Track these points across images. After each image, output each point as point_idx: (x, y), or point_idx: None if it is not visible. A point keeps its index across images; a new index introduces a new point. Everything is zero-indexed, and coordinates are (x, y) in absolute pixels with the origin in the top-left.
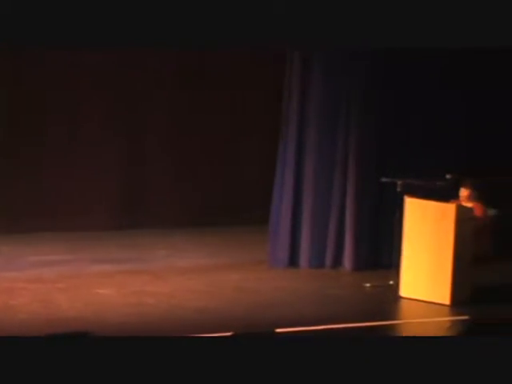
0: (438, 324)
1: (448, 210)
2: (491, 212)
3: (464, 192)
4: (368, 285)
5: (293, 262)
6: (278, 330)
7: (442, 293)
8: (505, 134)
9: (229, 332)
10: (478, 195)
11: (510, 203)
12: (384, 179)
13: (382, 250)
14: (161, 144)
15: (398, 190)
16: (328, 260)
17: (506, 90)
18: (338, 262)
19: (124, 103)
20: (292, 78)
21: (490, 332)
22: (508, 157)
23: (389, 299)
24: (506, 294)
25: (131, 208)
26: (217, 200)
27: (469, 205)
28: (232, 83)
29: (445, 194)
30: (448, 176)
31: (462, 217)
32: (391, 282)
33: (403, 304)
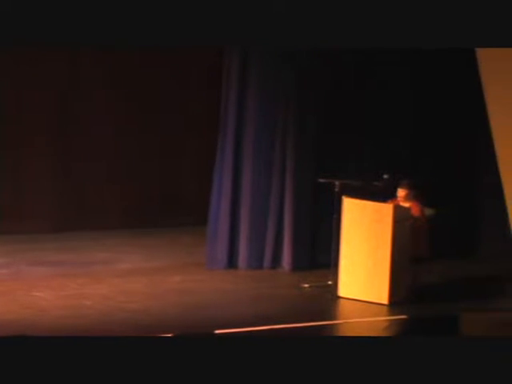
0: (376, 323)
1: (385, 210)
2: (428, 212)
3: (401, 192)
4: (306, 285)
5: (232, 263)
6: (218, 331)
7: (380, 292)
8: (443, 135)
9: (169, 333)
10: (416, 195)
11: (447, 203)
12: (321, 180)
13: (320, 250)
14: (98, 146)
15: (336, 190)
16: (267, 261)
17: (446, 90)
18: (276, 262)
19: (58, 103)
20: (229, 81)
21: (427, 331)
22: (446, 157)
23: (327, 299)
24: (443, 293)
25: (69, 210)
26: (155, 202)
27: (406, 205)
28: (170, 82)
29: (382, 194)
30: (385, 176)
31: (400, 217)
32: (330, 282)
33: (342, 304)
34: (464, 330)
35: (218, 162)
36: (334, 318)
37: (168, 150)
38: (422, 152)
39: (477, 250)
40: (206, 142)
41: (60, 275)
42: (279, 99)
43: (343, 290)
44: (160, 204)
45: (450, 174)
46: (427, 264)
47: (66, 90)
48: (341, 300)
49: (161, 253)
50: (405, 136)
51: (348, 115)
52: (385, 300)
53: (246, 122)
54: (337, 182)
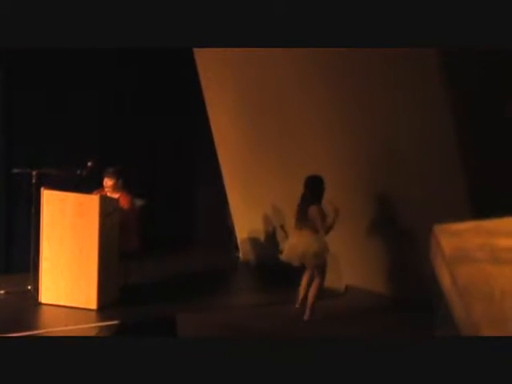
0: (84, 331)
1: (90, 202)
2: (139, 202)
3: (108, 181)
4: (1, 292)
5: None
6: None
7: (87, 296)
8: (156, 119)
9: None
10: (125, 184)
11: (159, 192)
12: (16, 170)
13: (16, 251)
14: None
15: (34, 181)
16: None
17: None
18: None
19: None
20: None
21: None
22: (157, 143)
23: (27, 306)
24: (158, 293)
25: None
26: None
27: (114, 195)
28: None
29: (87, 185)
30: (89, 163)
31: (107, 209)
32: (29, 287)
33: (44, 311)
34: (180, 332)
35: None
36: (36, 328)
37: None
38: (134, 137)
39: (194, 241)
40: None
41: None
42: None
43: (46, 296)
44: None
45: (162, 162)
46: (139, 260)
47: None
48: (43, 307)
49: None
50: (112, 120)
51: (53, 101)
52: (93, 305)
53: None
54: (34, 172)
